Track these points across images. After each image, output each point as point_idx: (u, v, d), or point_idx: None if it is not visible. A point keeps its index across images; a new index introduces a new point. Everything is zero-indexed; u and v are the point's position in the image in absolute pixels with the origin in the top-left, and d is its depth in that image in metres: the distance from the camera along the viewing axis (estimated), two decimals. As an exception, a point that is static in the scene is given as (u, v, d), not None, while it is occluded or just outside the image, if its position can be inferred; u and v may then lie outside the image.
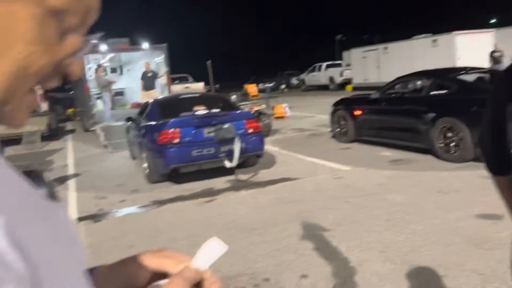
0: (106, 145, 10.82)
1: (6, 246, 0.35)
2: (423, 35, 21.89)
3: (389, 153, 7.70)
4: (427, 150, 7.09)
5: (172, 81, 15.81)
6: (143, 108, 8.38)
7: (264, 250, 3.97)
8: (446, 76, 7.46)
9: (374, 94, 8.41)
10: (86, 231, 4.93)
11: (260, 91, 15.66)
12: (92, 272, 0.61)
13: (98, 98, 15.59)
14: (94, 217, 5.45)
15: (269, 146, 8.77)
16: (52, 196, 0.50)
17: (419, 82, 8.20)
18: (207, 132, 6.50)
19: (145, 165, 7.01)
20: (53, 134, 13.76)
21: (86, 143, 12.11)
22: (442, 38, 20.10)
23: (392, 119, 7.78)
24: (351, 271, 3.46)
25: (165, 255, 0.64)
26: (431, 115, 6.88)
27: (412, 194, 5.27)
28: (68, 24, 0.45)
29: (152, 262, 0.63)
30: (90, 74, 14.54)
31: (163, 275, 0.63)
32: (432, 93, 7.22)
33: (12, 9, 0.40)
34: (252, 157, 7.21)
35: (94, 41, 0.50)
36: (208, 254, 0.62)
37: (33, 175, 0.44)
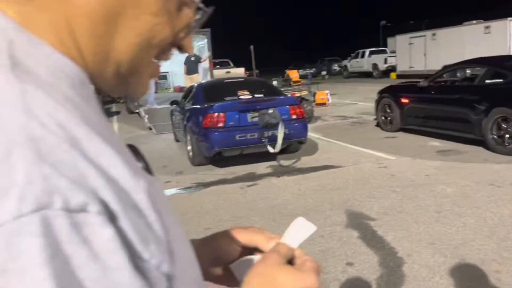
0: (150, 127, 11.09)
1: (148, 207, 0.35)
2: (475, 21, 20.89)
3: (437, 143, 7.44)
4: (477, 141, 6.80)
5: (213, 65, 15.91)
6: (187, 91, 8.49)
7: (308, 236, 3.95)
8: (502, 64, 7.07)
9: (423, 82, 8.12)
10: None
11: (301, 77, 15.57)
12: None
13: (142, 81, 15.95)
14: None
15: (311, 133, 8.69)
16: (148, 170, 0.50)
17: (472, 70, 7.84)
18: (251, 117, 6.51)
19: (189, 147, 7.12)
20: (99, 115, 14.21)
21: (130, 125, 12.46)
22: (496, 25, 19.09)
23: (441, 108, 7.47)
24: (399, 261, 3.39)
25: (256, 231, 0.64)
26: (485, 104, 6.56)
27: (462, 186, 5.08)
28: None
29: (243, 237, 0.64)
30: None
31: (252, 250, 0.63)
32: (487, 81, 6.89)
33: None
34: (294, 143, 7.17)
35: (208, 13, 0.50)
36: (297, 233, 0.62)
37: (131, 149, 0.44)
